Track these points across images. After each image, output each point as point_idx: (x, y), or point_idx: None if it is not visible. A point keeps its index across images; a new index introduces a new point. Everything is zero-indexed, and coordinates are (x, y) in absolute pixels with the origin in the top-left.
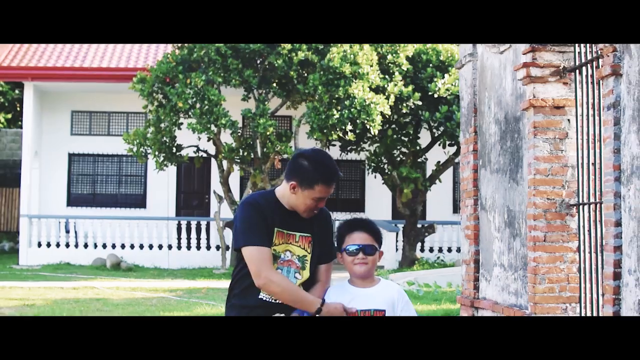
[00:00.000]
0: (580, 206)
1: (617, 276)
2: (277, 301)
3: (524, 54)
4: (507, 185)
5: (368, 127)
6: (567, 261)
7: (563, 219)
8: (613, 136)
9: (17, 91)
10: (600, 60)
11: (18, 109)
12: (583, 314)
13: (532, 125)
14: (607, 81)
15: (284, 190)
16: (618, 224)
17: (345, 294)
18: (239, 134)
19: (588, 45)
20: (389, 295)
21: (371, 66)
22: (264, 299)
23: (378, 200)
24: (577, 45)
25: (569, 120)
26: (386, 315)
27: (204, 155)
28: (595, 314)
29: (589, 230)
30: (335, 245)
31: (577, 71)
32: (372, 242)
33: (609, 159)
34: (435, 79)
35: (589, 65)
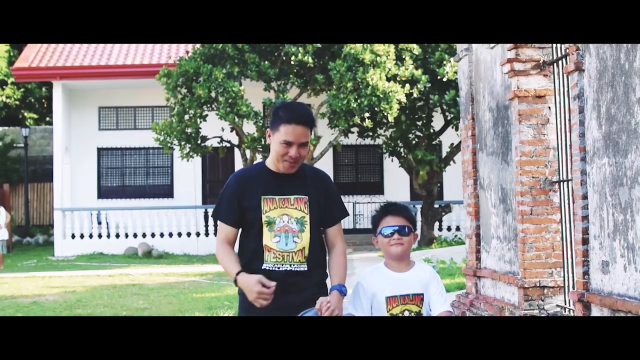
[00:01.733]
0: (561, 183)
1: (585, 241)
2: (280, 269)
3: (508, 51)
4: (500, 166)
5: (386, 114)
6: (551, 231)
7: (547, 194)
8: (578, 122)
9: (44, 89)
10: (567, 57)
11: (45, 106)
12: (566, 279)
13: (517, 113)
14: (573, 76)
15: (270, 153)
16: (585, 197)
17: (383, 277)
18: (261, 124)
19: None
20: (423, 277)
21: (388, 57)
22: (267, 268)
23: (396, 182)
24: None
25: (549, 107)
26: (424, 296)
27: (228, 145)
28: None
29: (569, 204)
30: (372, 230)
31: (555, 65)
32: (406, 224)
33: (576, 142)
34: (444, 62)
35: (563, 59)
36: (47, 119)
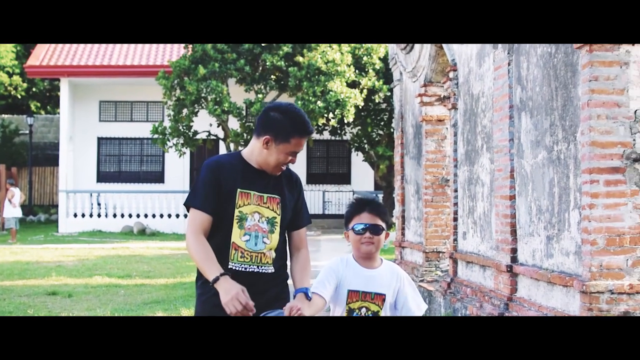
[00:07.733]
0: (452, 181)
1: (455, 219)
2: (247, 269)
3: (421, 87)
4: (416, 167)
5: (343, 117)
6: (445, 214)
7: (443, 188)
8: (454, 142)
9: (46, 82)
10: (450, 97)
11: (47, 96)
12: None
13: (425, 131)
14: (451, 111)
15: (252, 149)
16: (456, 190)
17: (350, 270)
18: (244, 121)
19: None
20: (391, 279)
21: (348, 65)
22: (233, 267)
23: (361, 174)
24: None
25: (447, 128)
26: (386, 297)
27: (214, 138)
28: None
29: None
30: (344, 224)
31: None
32: (379, 223)
33: (452, 154)
34: None
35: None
36: (49, 108)
